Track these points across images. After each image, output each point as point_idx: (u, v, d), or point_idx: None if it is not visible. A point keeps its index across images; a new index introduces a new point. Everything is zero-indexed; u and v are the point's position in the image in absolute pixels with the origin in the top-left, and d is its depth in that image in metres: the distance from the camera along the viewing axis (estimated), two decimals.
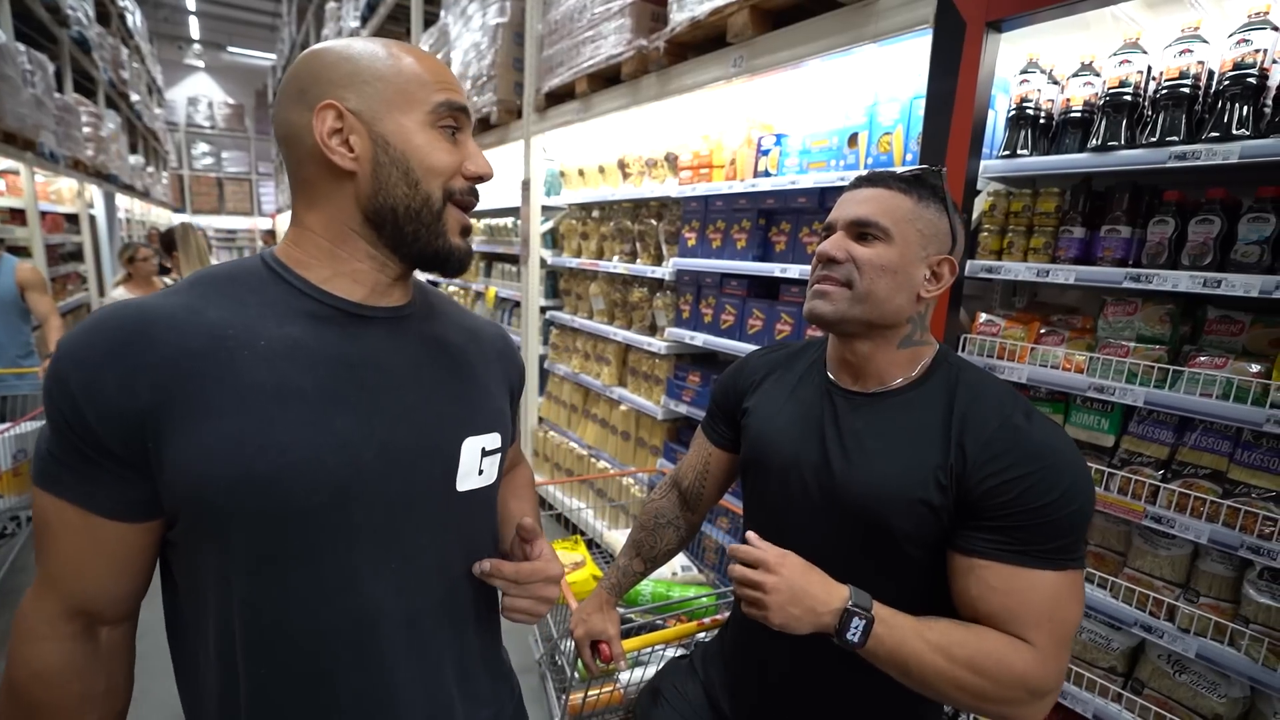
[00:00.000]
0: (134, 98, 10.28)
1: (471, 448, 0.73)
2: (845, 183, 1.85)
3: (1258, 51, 1.20)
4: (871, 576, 0.87)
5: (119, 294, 3.10)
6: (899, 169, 0.93)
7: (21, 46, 5.24)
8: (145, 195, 11.46)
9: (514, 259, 3.92)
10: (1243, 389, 1.22)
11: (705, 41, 2.18)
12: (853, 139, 1.87)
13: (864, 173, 0.95)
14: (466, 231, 0.71)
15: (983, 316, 1.64)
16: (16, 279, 2.89)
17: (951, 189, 1.50)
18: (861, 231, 0.89)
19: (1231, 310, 1.34)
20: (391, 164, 0.64)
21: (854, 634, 0.77)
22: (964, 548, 0.82)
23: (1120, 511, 1.37)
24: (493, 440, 0.75)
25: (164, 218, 14.23)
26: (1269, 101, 1.20)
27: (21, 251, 5.39)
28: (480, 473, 0.74)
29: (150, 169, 12.45)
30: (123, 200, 9.85)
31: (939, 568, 0.87)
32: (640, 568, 1.25)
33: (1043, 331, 1.56)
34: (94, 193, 7.70)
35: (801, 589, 0.78)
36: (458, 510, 0.73)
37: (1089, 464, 1.42)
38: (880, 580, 0.87)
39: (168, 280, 3.23)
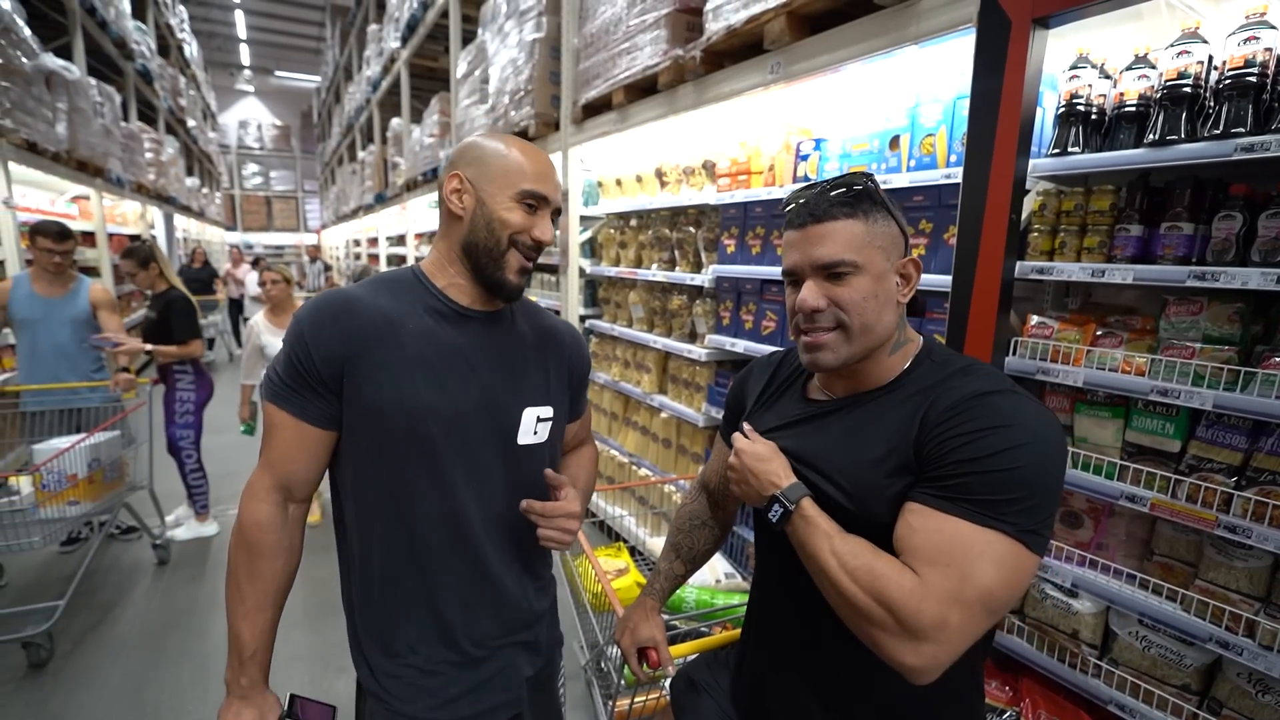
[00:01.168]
0: (190, 123, 10.82)
1: (530, 415, 1.03)
2: (889, 185, 1.85)
3: None
4: None
5: (260, 319, 3.32)
6: (831, 189, 0.89)
7: (92, 80, 5.58)
8: (200, 215, 12.03)
9: (553, 269, 3.97)
10: None
11: (742, 49, 2.19)
12: (894, 142, 1.84)
13: (798, 203, 0.91)
14: (524, 273, 0.99)
15: (1034, 319, 1.60)
16: (90, 298, 3.07)
17: (999, 189, 1.49)
18: (833, 273, 0.87)
19: None
20: (483, 218, 0.96)
21: (774, 516, 0.87)
22: (906, 498, 0.83)
23: (1189, 520, 1.31)
24: (546, 411, 1.05)
25: (218, 236, 14.89)
26: None
27: (92, 272, 5.71)
28: (535, 433, 1.04)
29: (205, 190, 13.07)
30: (180, 220, 10.36)
31: None
32: (682, 570, 1.26)
33: (1099, 333, 1.51)
34: (155, 214, 8.12)
35: (756, 468, 0.91)
36: (518, 456, 1.02)
37: (1153, 470, 1.38)
38: None
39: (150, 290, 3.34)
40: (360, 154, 10.95)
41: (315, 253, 10.87)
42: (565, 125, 3.42)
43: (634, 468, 3.22)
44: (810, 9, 1.87)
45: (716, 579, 2.14)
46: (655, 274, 2.95)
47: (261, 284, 3.31)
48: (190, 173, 11.79)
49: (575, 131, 3.35)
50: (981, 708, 1.00)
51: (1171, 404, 1.35)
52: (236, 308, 9.40)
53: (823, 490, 0.90)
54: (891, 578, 0.76)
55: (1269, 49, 1.22)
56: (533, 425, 1.03)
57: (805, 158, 2.14)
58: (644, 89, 2.73)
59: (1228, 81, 1.25)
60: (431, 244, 1.04)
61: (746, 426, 1.00)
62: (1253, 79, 1.23)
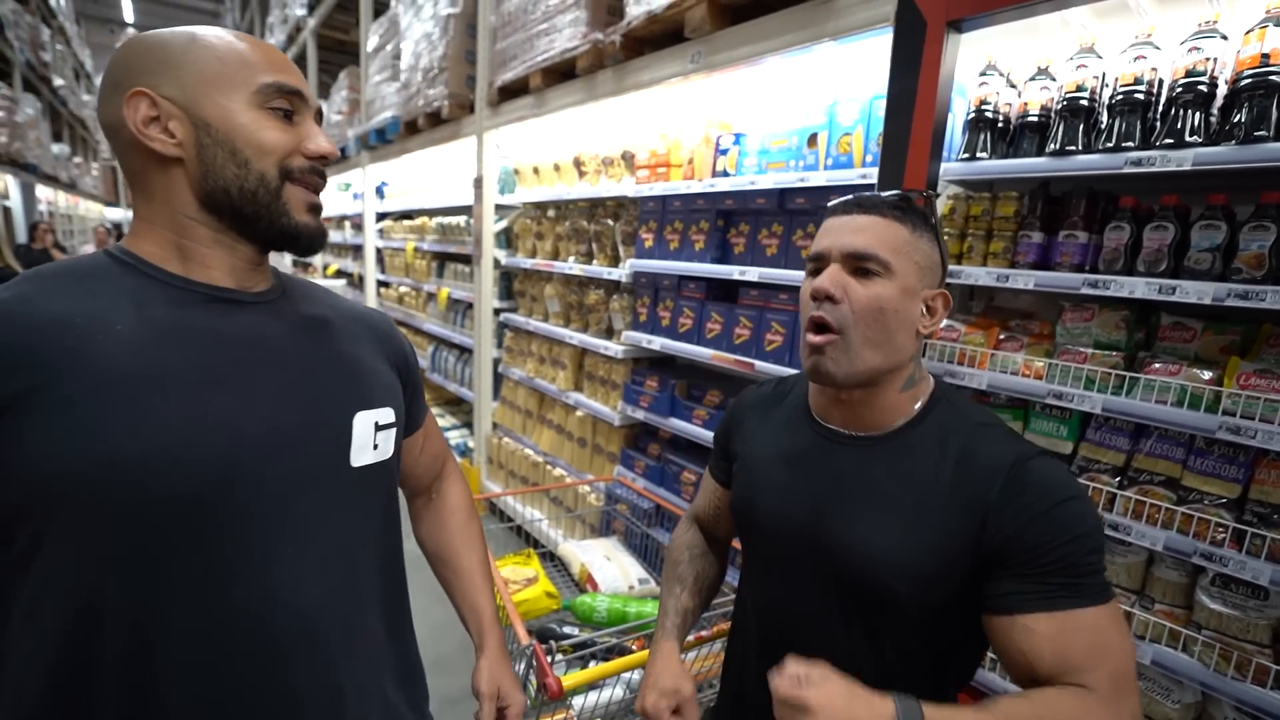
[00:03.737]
0: (57, 82, 9.65)
1: (364, 421, 0.72)
2: (805, 183, 1.84)
3: (1208, 60, 1.20)
4: (861, 636, 0.82)
5: None
6: (887, 194, 0.84)
7: None
8: (72, 187, 10.77)
9: (467, 259, 3.78)
10: (1195, 396, 1.22)
11: (663, 36, 2.12)
12: (812, 139, 1.83)
13: (850, 196, 0.85)
14: (315, 210, 0.70)
15: (944, 323, 1.62)
16: None
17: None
18: (860, 265, 0.79)
19: (1184, 317, 1.35)
20: (216, 145, 0.63)
21: None
22: (999, 606, 0.74)
23: None
24: (386, 415, 0.75)
25: (95, 212, 13.38)
26: (1215, 110, 1.21)
27: None
28: (375, 447, 0.74)
29: (78, 159, 11.72)
30: (45, 192, 9.22)
31: (941, 626, 0.81)
32: (691, 603, 1.04)
33: (1002, 337, 1.54)
34: (8, 182, 7.18)
35: (845, 712, 0.66)
36: (354, 487, 0.71)
37: None
38: (871, 640, 0.82)
39: None
40: None
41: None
42: (481, 108, 3.25)
43: (549, 467, 3.10)
44: None
45: (630, 585, 2.07)
46: (572, 267, 2.84)
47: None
48: (58, 139, 10.52)
49: (491, 115, 3.18)
50: None
51: (1066, 407, 1.39)
52: None
53: (852, 546, 0.81)
54: (1079, 711, 0.69)
55: (1154, 68, 1.28)
56: (370, 436, 0.72)
57: (725, 152, 2.10)
58: (562, 73, 2.61)
59: (1119, 97, 1.30)
60: (133, 217, 0.68)
61: (796, 670, 0.70)
62: (1140, 96, 1.28)
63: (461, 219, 3.94)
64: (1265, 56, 1.12)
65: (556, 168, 3.07)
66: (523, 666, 1.31)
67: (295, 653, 0.65)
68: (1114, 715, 0.69)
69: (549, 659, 1.26)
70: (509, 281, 3.58)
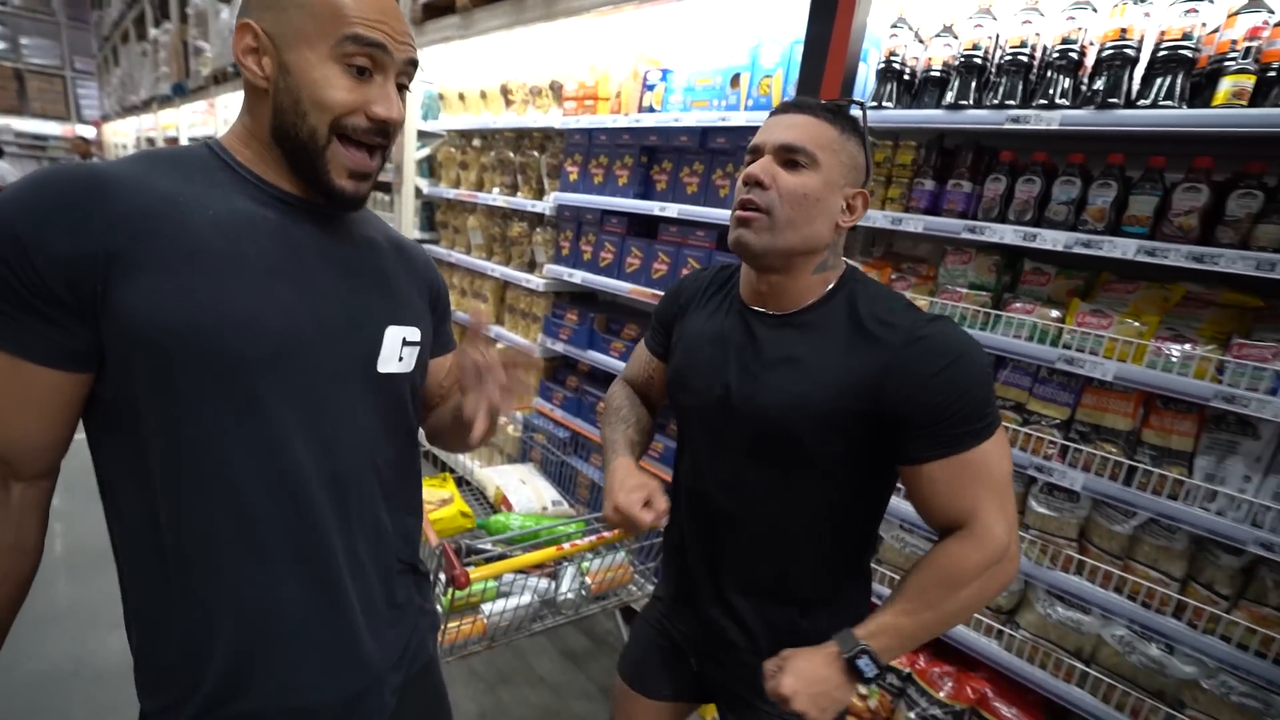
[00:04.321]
0: None
1: (393, 336, 0.79)
2: (726, 123, 1.89)
3: (1079, 29, 1.33)
4: (782, 484, 0.94)
5: None
6: (825, 100, 0.92)
7: None
8: None
9: (386, 187, 3.62)
10: (1044, 332, 1.40)
11: None
12: (735, 79, 1.88)
13: (790, 98, 0.94)
14: (361, 176, 0.73)
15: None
16: None
17: None
18: (789, 158, 0.89)
19: (1042, 263, 1.52)
20: (287, 90, 0.68)
21: (870, 669, 0.82)
22: (908, 458, 0.87)
23: None
24: (413, 333, 0.82)
25: None
26: (1084, 77, 1.35)
27: None
28: (400, 359, 0.80)
29: None
30: None
31: (845, 474, 0.93)
32: (636, 436, 1.12)
33: (893, 277, 1.69)
34: None
35: (811, 689, 0.82)
36: (378, 389, 0.79)
37: None
38: (790, 484, 0.94)
39: None
40: (152, 31, 9.05)
41: (85, 148, 8.56)
42: None
43: None
44: None
45: (544, 506, 2.16)
46: (496, 199, 2.80)
47: None
48: None
49: (415, 33, 3.01)
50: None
51: None
52: None
53: (767, 407, 0.91)
54: (966, 554, 0.83)
55: (1038, 34, 1.40)
56: (397, 349, 0.80)
57: (651, 87, 2.12)
58: None
59: (1007, 58, 1.42)
60: (238, 116, 0.75)
61: (769, 667, 0.86)
62: (1025, 59, 1.40)
63: None
64: (1123, 31, 1.26)
65: (483, 95, 2.97)
66: (433, 567, 1.36)
67: (321, 512, 0.73)
68: (994, 534, 0.83)
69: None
70: (430, 212, 3.47)
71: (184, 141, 8.15)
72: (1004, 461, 0.87)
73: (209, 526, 0.69)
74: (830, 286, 0.95)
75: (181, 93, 7.74)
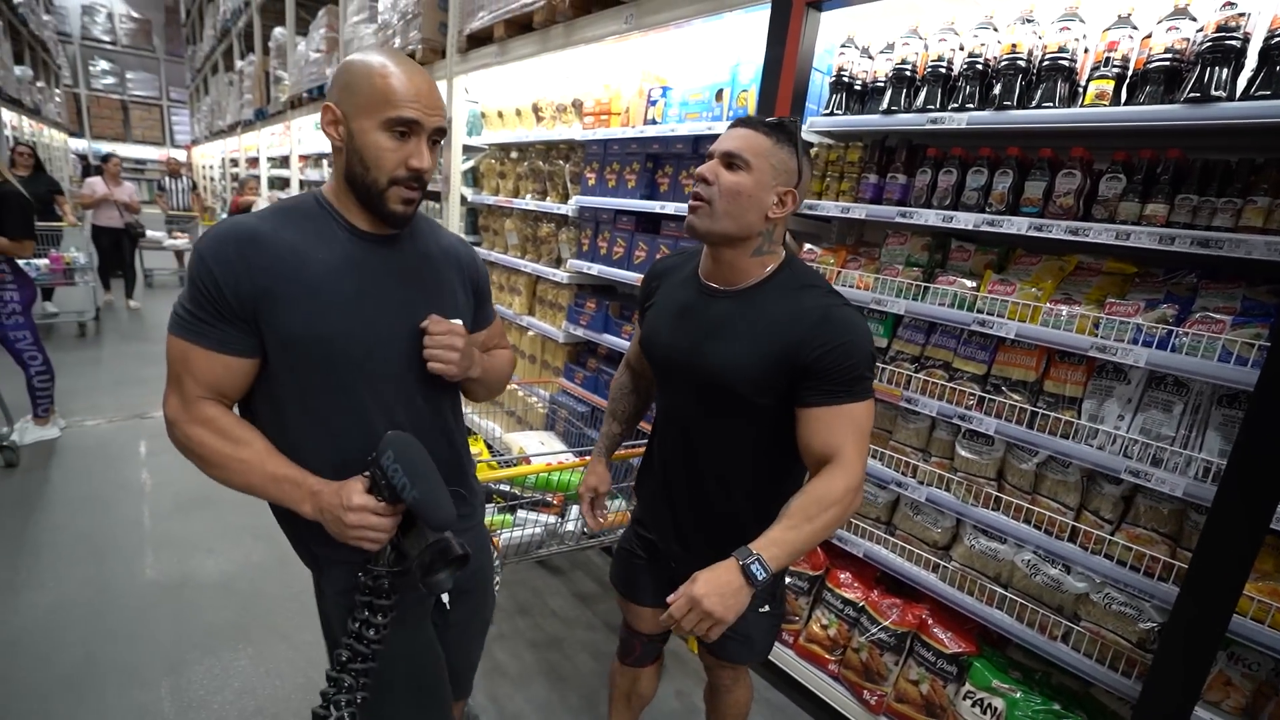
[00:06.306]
0: (16, 0, 9.40)
1: None
2: (712, 132, 2.22)
3: (982, 45, 1.60)
4: (728, 424, 1.21)
5: None
6: (768, 117, 1.17)
7: None
8: (35, 113, 10.57)
9: (436, 195, 4.09)
10: (963, 299, 1.66)
11: None
12: (720, 94, 2.20)
13: (741, 116, 1.20)
14: (408, 202, 1.01)
15: (807, 246, 2.03)
16: None
17: None
18: (729, 161, 1.12)
19: (964, 242, 1.78)
20: (354, 150, 0.97)
21: (760, 573, 1.00)
22: (801, 402, 1.11)
23: (887, 397, 1.81)
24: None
25: (59, 141, 13.07)
26: (991, 84, 1.61)
27: None
28: None
29: (40, 84, 11.43)
30: (9, 116, 9.08)
31: (777, 417, 1.17)
32: (618, 429, 1.51)
33: (849, 259, 1.96)
34: None
35: (717, 591, 0.99)
36: (432, 376, 1.08)
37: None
38: (735, 425, 1.21)
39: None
40: (238, 63, 10.04)
41: (176, 167, 9.54)
42: (451, 54, 3.52)
43: None
44: None
45: (540, 441, 2.50)
46: (528, 203, 3.19)
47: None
48: (19, 61, 10.26)
49: (460, 61, 3.47)
50: None
51: (883, 310, 1.83)
52: (113, 239, 6.74)
53: (712, 365, 1.17)
54: (832, 482, 1.06)
55: (954, 49, 1.67)
56: None
57: (654, 102, 2.45)
58: (522, 25, 2.91)
59: (929, 70, 1.69)
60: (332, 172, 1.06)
61: (679, 593, 1.03)
62: (943, 70, 1.67)
63: None
64: (1014, 46, 1.53)
65: (518, 112, 3.38)
66: None
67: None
68: (854, 470, 1.09)
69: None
70: (474, 217, 3.91)
71: (263, 159, 9.04)
72: (868, 421, 1.13)
73: (306, 453, 1.02)
74: (770, 269, 1.19)
75: (262, 117, 8.58)
